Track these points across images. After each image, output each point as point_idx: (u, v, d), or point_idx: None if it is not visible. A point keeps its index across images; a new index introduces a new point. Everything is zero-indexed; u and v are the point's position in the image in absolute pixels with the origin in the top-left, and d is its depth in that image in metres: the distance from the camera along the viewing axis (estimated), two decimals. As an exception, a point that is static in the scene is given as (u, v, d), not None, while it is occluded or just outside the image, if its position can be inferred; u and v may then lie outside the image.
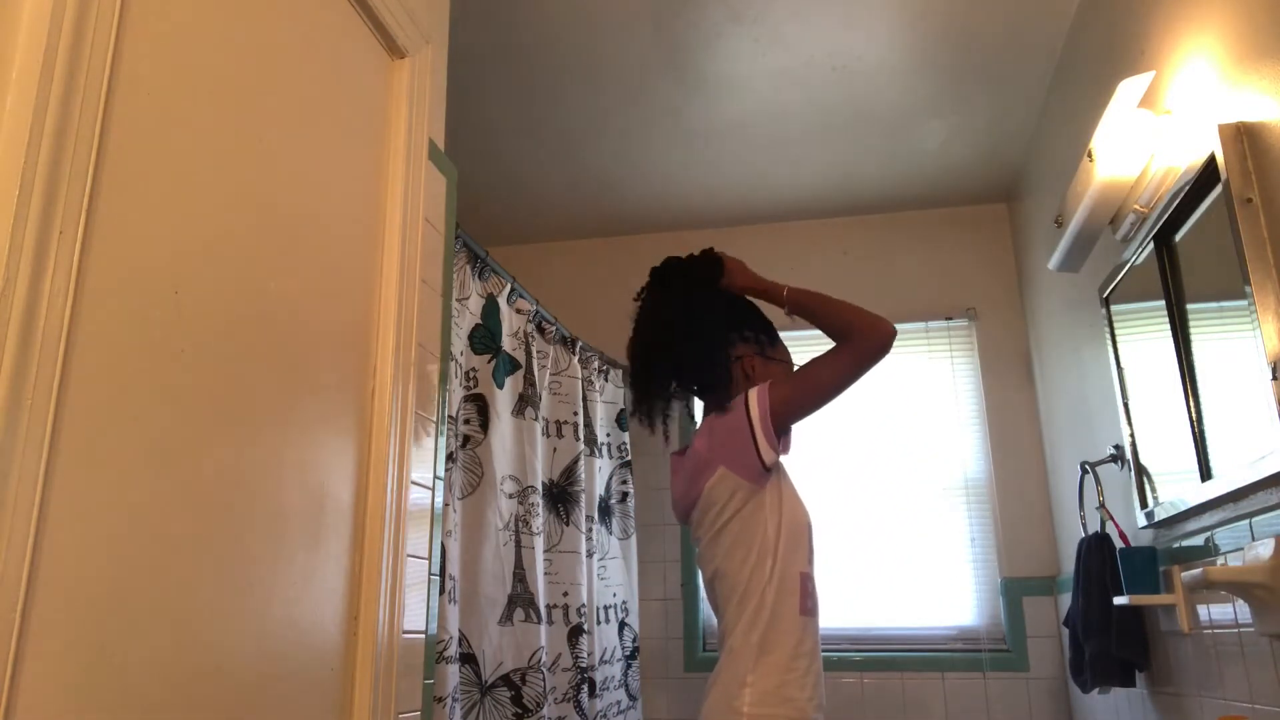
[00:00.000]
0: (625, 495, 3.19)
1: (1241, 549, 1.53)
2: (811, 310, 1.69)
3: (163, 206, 1.10)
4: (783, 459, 1.67)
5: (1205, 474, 1.69)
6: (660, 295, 1.80)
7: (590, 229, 3.73)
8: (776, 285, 1.74)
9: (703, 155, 3.14)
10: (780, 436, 1.62)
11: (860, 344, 1.59)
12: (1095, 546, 2.18)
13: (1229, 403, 1.60)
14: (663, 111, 2.88)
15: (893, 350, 1.62)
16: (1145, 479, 2.05)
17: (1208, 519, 1.73)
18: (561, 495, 2.68)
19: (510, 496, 2.37)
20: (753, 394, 1.60)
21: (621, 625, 3.02)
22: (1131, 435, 2.10)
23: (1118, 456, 2.23)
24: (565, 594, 2.57)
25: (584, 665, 2.58)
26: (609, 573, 2.97)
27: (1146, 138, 1.83)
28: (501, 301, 2.43)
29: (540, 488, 2.52)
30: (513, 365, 2.48)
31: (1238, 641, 1.63)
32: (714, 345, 1.73)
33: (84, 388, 0.96)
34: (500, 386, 2.38)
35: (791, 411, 1.61)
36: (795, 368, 1.72)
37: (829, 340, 1.67)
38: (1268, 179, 1.43)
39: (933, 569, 3.20)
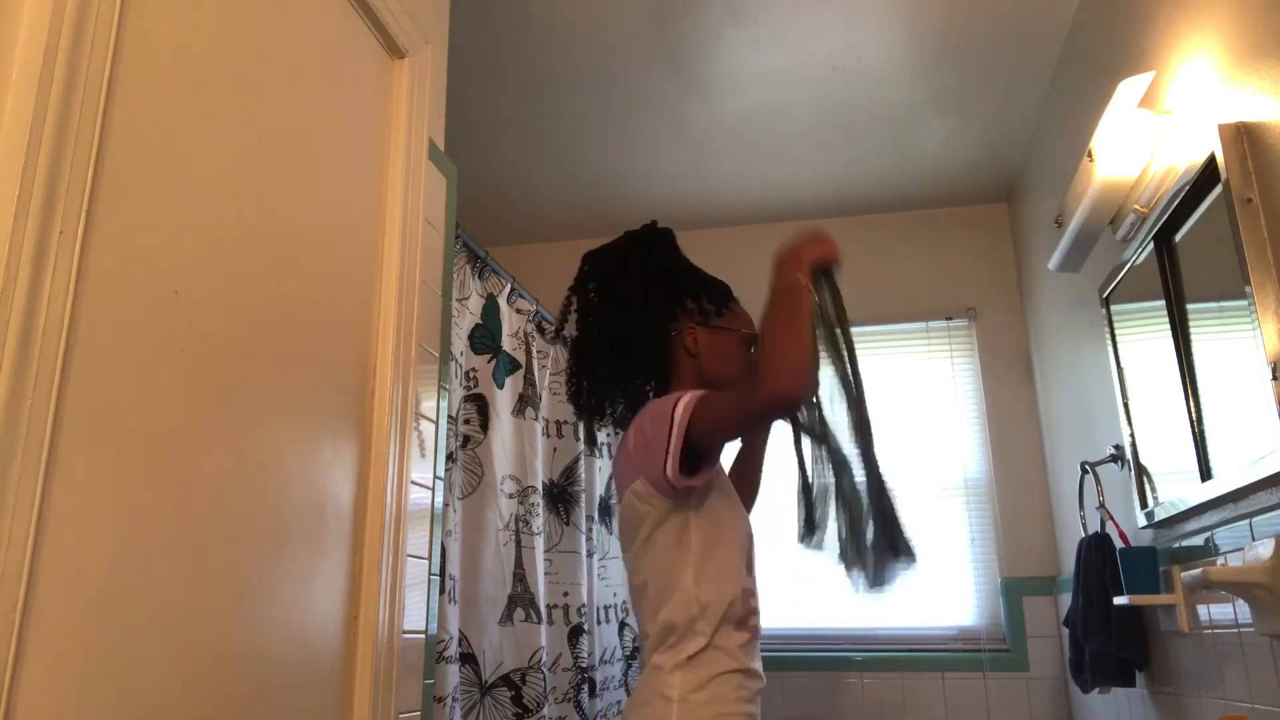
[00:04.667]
0: (625, 495, 3.18)
1: (1241, 549, 1.53)
2: (763, 326, 1.37)
3: (163, 206, 1.10)
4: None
5: (1205, 474, 1.69)
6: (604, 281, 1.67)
7: (590, 229, 3.71)
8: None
9: (703, 155, 3.14)
10: (703, 461, 1.39)
11: (755, 390, 1.30)
12: (1095, 546, 2.18)
13: (1229, 403, 1.60)
14: (663, 111, 2.88)
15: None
16: (1145, 479, 2.04)
17: (1208, 519, 1.73)
18: (561, 495, 2.68)
19: (510, 496, 2.37)
20: (683, 400, 1.38)
21: (622, 625, 3.02)
22: (1131, 435, 2.09)
23: (1118, 456, 2.23)
24: (565, 594, 2.57)
25: (584, 665, 2.58)
26: (609, 573, 2.97)
27: (1146, 138, 1.83)
28: (501, 301, 2.43)
29: (540, 488, 2.52)
30: (513, 365, 2.48)
31: (1238, 641, 1.63)
32: (646, 319, 1.56)
33: (84, 388, 0.96)
34: (500, 386, 2.38)
35: (703, 439, 1.37)
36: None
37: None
38: (1268, 179, 1.43)
39: (933, 569, 3.20)
